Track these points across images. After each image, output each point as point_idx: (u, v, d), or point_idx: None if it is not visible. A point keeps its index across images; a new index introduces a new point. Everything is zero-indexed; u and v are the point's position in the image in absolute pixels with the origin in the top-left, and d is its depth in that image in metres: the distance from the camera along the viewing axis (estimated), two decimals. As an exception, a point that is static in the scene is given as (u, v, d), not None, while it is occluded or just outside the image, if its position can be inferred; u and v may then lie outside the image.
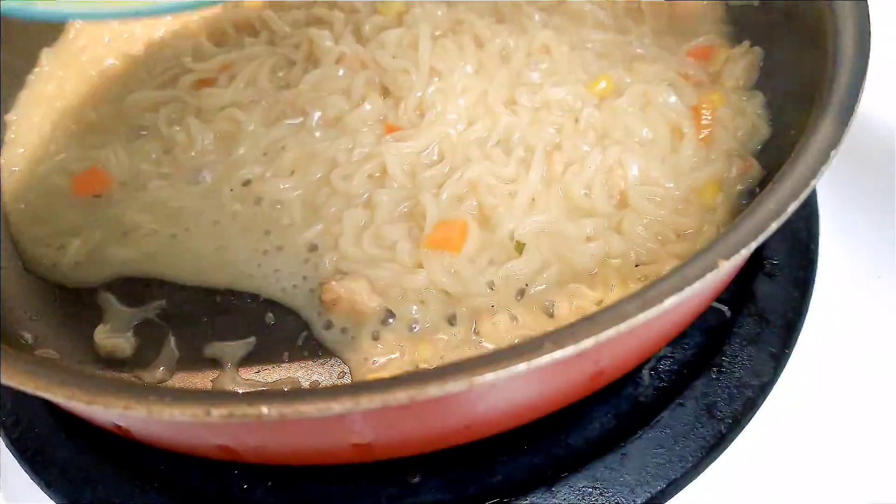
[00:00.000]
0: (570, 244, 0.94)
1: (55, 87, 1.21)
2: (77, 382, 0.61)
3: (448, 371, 0.59)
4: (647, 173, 0.98)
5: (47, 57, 1.25)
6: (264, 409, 0.57)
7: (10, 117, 1.18)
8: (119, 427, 0.75)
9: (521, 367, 0.59)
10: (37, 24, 1.23)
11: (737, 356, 0.97)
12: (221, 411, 0.57)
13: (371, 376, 0.86)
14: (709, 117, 1.02)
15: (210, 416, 0.56)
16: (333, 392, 0.58)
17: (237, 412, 0.57)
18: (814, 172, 0.71)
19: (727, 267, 0.64)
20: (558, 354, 0.60)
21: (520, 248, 0.94)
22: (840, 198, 1.16)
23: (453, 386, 0.58)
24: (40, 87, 1.21)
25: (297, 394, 0.58)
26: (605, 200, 0.97)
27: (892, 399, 0.98)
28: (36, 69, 1.24)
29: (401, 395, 0.57)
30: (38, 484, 0.91)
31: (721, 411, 0.92)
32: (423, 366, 0.88)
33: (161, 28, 1.24)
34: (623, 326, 0.61)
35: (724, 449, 0.91)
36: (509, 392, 0.72)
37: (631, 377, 0.95)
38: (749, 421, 0.93)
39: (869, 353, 1.02)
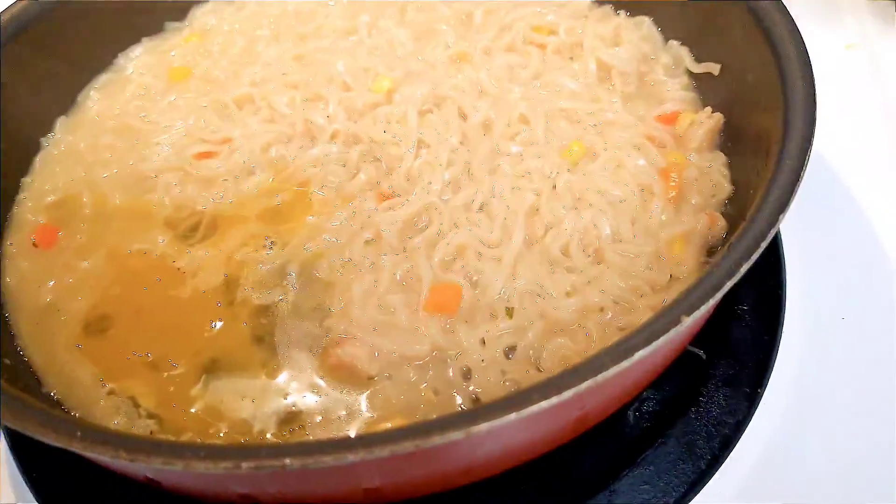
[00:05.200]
0: (553, 301, 0.96)
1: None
2: (121, 442, 0.68)
3: (448, 422, 0.66)
4: (619, 233, 1.01)
5: (62, 125, 1.30)
6: (287, 461, 0.64)
7: (25, 180, 1.22)
8: (150, 479, 0.81)
9: (512, 416, 0.66)
10: (55, 95, 1.30)
11: (713, 396, 1.02)
12: (250, 464, 0.64)
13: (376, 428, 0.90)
14: (676, 178, 1.06)
15: (240, 469, 0.63)
16: (348, 443, 0.65)
17: (265, 465, 0.64)
18: (764, 235, 0.78)
19: (689, 322, 0.71)
20: (545, 404, 0.66)
21: (510, 312, 0.96)
22: (804, 245, 1.22)
23: (453, 435, 0.65)
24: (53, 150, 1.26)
25: (317, 445, 0.65)
26: (582, 259, 1.00)
27: (856, 431, 1.04)
28: (50, 135, 1.28)
29: (407, 445, 0.64)
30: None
31: (700, 448, 0.97)
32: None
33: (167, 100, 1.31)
34: (599, 378, 0.67)
35: (705, 483, 0.96)
36: (504, 438, 0.77)
37: (617, 419, 0.99)
38: (727, 457, 0.97)
39: (834, 389, 1.08)
